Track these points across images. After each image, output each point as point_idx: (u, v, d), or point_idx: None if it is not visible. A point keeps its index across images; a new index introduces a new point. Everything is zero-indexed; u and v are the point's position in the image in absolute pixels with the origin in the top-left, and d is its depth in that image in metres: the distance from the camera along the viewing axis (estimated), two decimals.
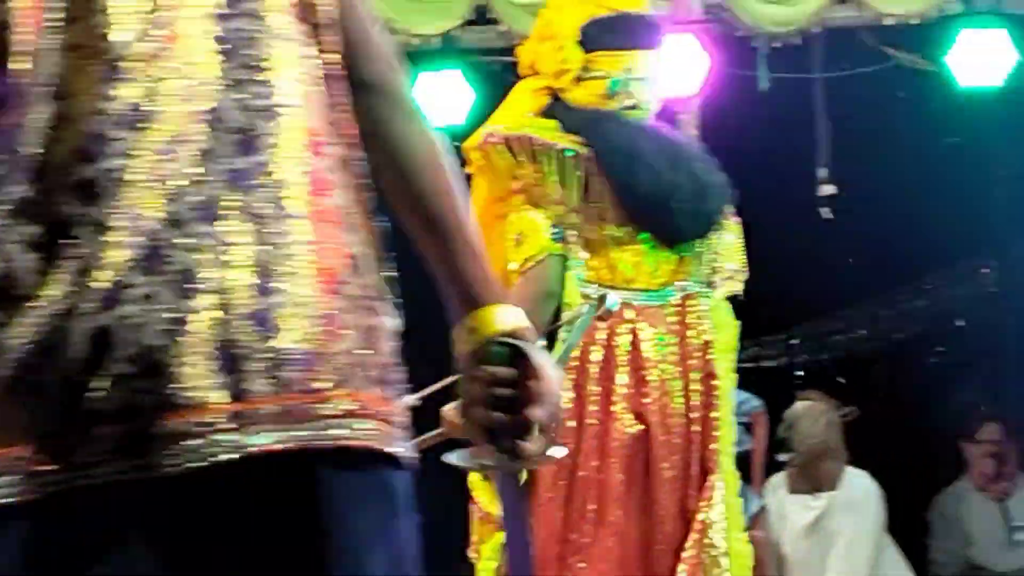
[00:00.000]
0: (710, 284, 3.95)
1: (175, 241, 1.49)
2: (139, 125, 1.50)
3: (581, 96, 3.90)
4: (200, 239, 1.49)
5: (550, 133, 3.85)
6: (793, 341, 9.36)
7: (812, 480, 6.33)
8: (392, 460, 1.58)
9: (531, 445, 1.69)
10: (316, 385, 1.52)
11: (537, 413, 1.67)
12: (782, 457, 6.31)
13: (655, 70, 3.97)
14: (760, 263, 3.99)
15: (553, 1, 4.14)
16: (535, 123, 3.89)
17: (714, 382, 3.87)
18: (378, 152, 1.72)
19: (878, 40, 6.37)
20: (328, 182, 1.59)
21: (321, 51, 1.65)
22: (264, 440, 1.48)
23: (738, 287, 4.01)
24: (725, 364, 3.92)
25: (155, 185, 1.49)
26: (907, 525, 6.78)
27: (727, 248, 3.99)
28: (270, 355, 1.49)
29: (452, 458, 1.83)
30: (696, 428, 3.84)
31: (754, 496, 6.77)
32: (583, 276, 3.82)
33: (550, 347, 3.75)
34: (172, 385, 1.47)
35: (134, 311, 1.47)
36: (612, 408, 3.78)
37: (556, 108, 3.93)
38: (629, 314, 3.80)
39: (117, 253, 1.48)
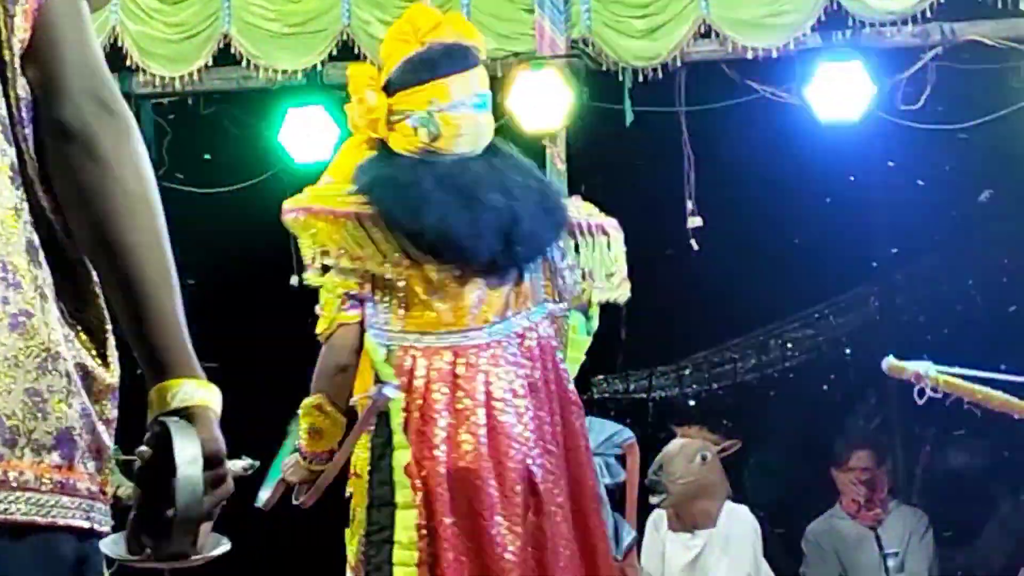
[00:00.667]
0: (563, 305, 3.91)
1: None
2: None
3: (398, 141, 3.87)
4: None
5: (337, 200, 3.80)
6: (684, 371, 9.42)
7: (689, 519, 6.26)
8: (57, 529, 1.52)
9: (155, 542, 1.55)
10: None
11: (168, 509, 1.52)
12: (653, 500, 6.24)
13: (466, 93, 3.92)
14: (644, 295, 3.97)
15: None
16: (327, 191, 3.86)
17: (573, 408, 3.85)
18: (70, 203, 1.62)
19: (741, 73, 6.42)
20: None
21: (6, 95, 1.60)
22: None
23: (620, 294, 3.99)
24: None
25: None
26: (794, 555, 6.80)
27: (598, 258, 3.96)
28: None
29: (106, 544, 1.61)
30: (550, 460, 3.79)
31: (627, 528, 6.75)
32: (400, 328, 3.79)
33: (352, 424, 3.77)
34: None
35: None
36: (434, 452, 3.72)
37: (375, 162, 3.90)
38: (448, 356, 3.77)
39: None
